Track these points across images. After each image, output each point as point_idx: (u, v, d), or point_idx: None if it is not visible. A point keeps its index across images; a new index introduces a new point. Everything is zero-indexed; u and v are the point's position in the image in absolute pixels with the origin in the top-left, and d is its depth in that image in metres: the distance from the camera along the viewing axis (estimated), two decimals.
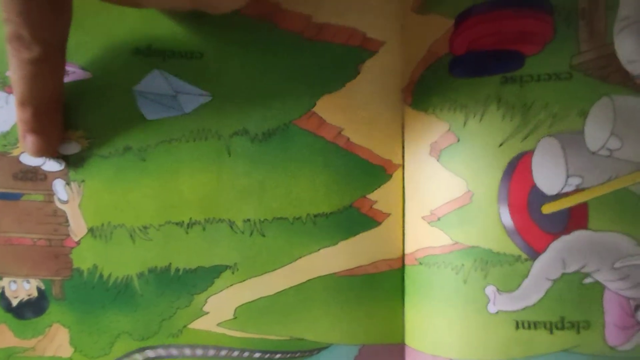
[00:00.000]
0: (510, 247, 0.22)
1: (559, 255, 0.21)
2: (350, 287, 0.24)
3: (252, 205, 0.24)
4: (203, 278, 0.24)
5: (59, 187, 0.24)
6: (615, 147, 0.21)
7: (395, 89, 0.25)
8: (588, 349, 0.21)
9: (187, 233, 0.24)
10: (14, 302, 0.25)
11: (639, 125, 0.20)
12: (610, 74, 0.21)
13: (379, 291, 0.24)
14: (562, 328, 0.21)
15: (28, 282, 0.25)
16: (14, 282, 0.25)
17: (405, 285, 0.25)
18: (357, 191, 0.24)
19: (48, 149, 0.23)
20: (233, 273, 0.24)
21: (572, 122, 0.21)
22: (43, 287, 0.25)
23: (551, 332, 0.21)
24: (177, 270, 0.24)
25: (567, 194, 0.21)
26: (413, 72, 0.25)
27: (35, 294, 0.25)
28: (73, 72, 0.23)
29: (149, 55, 0.23)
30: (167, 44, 0.23)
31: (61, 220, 0.24)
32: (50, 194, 0.24)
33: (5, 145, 0.24)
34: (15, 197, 0.24)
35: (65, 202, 0.24)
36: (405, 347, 0.25)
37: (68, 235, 0.24)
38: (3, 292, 0.25)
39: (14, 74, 0.21)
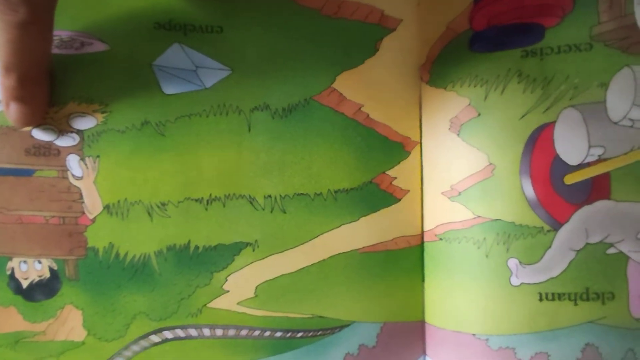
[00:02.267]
0: (533, 219, 0.22)
1: (582, 225, 0.21)
2: (372, 263, 0.24)
3: (272, 181, 0.23)
4: (223, 256, 0.23)
5: (73, 163, 0.23)
6: (638, 118, 0.21)
7: (413, 67, 0.25)
8: (613, 320, 0.21)
9: (206, 210, 0.23)
10: (24, 284, 0.24)
11: None
12: (631, 45, 0.21)
13: (399, 268, 0.24)
14: (587, 299, 0.21)
15: (40, 262, 0.24)
16: (25, 262, 0.24)
17: (425, 262, 0.24)
18: (377, 167, 0.24)
19: (33, 119, 0.22)
20: (254, 250, 0.23)
21: (593, 93, 0.22)
22: (55, 267, 0.24)
23: (576, 304, 0.21)
24: (197, 248, 0.23)
25: (589, 164, 0.21)
26: (431, 49, 0.25)
27: (47, 274, 0.24)
28: (90, 44, 0.23)
29: (169, 29, 0.23)
30: (188, 17, 0.23)
31: (75, 197, 0.23)
32: (64, 169, 0.23)
33: None
34: (27, 173, 0.24)
35: (80, 178, 0.23)
36: (425, 324, 0.24)
37: (83, 212, 0.23)
38: (13, 273, 0.24)
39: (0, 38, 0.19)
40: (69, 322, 0.24)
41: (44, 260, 0.24)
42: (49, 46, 0.21)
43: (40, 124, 0.22)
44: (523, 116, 0.22)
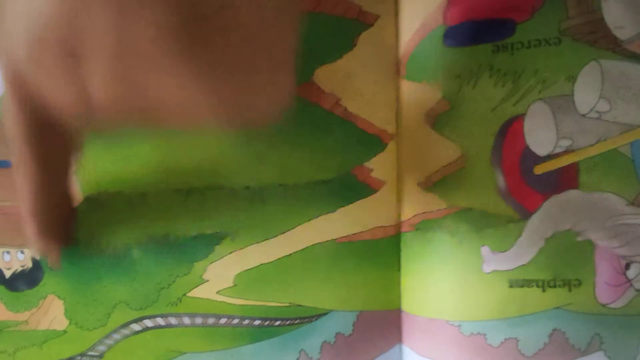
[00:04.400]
0: (504, 208, 0.22)
1: (551, 214, 0.22)
2: (349, 253, 0.25)
3: (252, 172, 0.24)
4: (203, 245, 0.24)
5: None
6: (604, 110, 0.22)
7: (390, 61, 0.26)
8: (580, 306, 0.22)
9: (186, 200, 0.24)
10: (7, 274, 0.25)
11: (626, 89, 0.21)
12: (598, 39, 0.22)
13: (376, 258, 0.25)
14: (555, 286, 0.22)
15: (22, 252, 0.24)
16: (8, 252, 0.24)
17: (401, 252, 0.25)
18: (355, 159, 0.25)
19: (53, 253, 0.24)
20: (233, 240, 0.24)
21: (561, 86, 0.22)
22: (38, 258, 0.24)
23: (544, 290, 0.22)
24: (177, 238, 0.24)
25: (558, 155, 0.22)
26: (407, 44, 0.25)
27: (29, 264, 0.24)
28: None
29: None
30: None
31: None
32: None
33: None
34: (6, 164, 0.24)
35: None
36: (401, 312, 0.25)
37: None
38: None
39: (20, 192, 0.21)
40: (51, 312, 0.25)
41: (26, 251, 0.24)
42: (68, 199, 0.23)
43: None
44: (494, 109, 0.23)
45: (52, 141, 0.19)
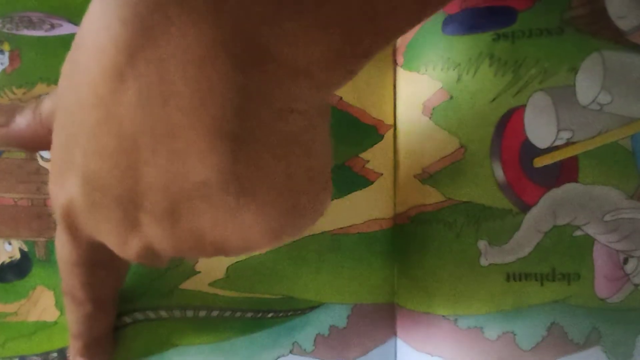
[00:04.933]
0: (502, 201, 0.22)
1: (550, 207, 0.22)
2: (343, 246, 0.24)
3: None
4: None
5: None
6: (606, 102, 0.21)
7: (387, 50, 0.25)
8: (578, 300, 0.22)
9: None
10: None
11: (628, 80, 0.21)
12: (600, 30, 0.21)
13: (370, 251, 0.24)
14: (553, 280, 0.22)
15: (9, 243, 0.24)
16: None
17: (396, 245, 0.25)
18: (350, 150, 0.24)
19: None
20: None
21: (563, 77, 0.22)
22: (26, 249, 0.24)
23: (542, 284, 0.22)
24: None
25: (558, 148, 0.22)
26: None
27: (17, 255, 0.24)
28: (60, 26, 0.23)
29: None
30: None
31: (44, 178, 0.23)
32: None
33: None
34: None
35: (49, 160, 0.23)
36: (396, 307, 0.25)
37: None
38: None
39: (68, 314, 0.22)
40: (41, 303, 0.24)
41: (14, 242, 0.24)
42: (111, 322, 0.23)
43: None
44: (494, 99, 0.22)
45: (102, 273, 0.20)
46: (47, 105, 0.19)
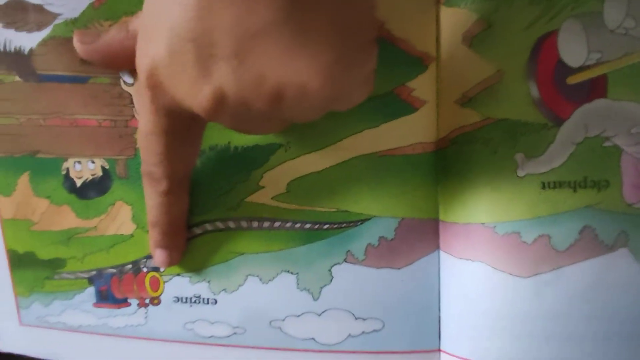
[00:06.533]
0: (538, 117, 0.24)
1: (581, 121, 0.24)
2: (390, 165, 0.27)
3: None
4: (259, 155, 0.26)
5: (125, 71, 0.26)
6: (631, 26, 0.24)
7: None
8: (608, 205, 0.24)
9: None
10: (78, 183, 0.27)
11: None
12: None
13: (415, 171, 0.27)
14: (585, 187, 0.24)
15: (93, 162, 0.27)
16: (79, 162, 0.27)
17: (438, 166, 0.27)
18: (398, 79, 0.27)
19: (172, 262, 0.26)
20: (286, 151, 0.26)
21: (592, 5, 0.24)
22: (107, 167, 0.27)
23: (575, 191, 0.24)
24: (236, 148, 0.26)
25: (589, 67, 0.24)
26: None
27: (99, 173, 0.27)
28: None
29: None
30: None
31: (126, 102, 0.26)
32: (116, 77, 0.26)
33: (73, 31, 0.25)
34: (82, 80, 0.26)
35: (131, 85, 0.26)
36: (439, 222, 0.27)
37: (133, 116, 0.26)
38: (67, 173, 0.27)
39: (147, 201, 0.24)
40: (119, 217, 0.27)
41: (96, 160, 0.27)
42: (186, 206, 0.26)
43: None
44: (529, 26, 0.25)
45: (177, 145, 0.22)
46: (134, 21, 0.22)
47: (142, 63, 0.19)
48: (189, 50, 0.17)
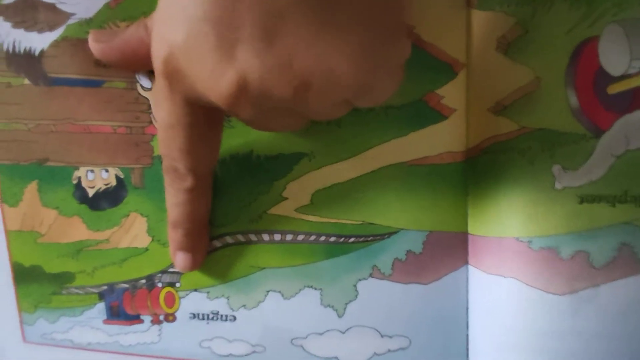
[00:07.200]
0: (576, 127, 0.23)
1: (622, 132, 0.23)
2: (418, 176, 0.25)
3: None
4: (282, 165, 0.25)
5: (142, 74, 0.24)
6: None
7: None
8: None
9: None
10: (90, 192, 0.26)
11: None
12: None
13: (443, 181, 0.26)
14: (625, 201, 0.23)
15: (106, 170, 0.25)
16: (92, 171, 0.25)
17: (469, 176, 0.26)
18: (427, 86, 0.26)
19: (195, 265, 0.25)
20: (310, 161, 0.25)
21: (634, 10, 0.23)
22: (122, 176, 0.25)
23: (614, 205, 0.23)
24: (258, 157, 0.25)
25: (631, 76, 0.23)
26: None
27: (113, 182, 0.25)
28: None
29: None
30: None
31: (143, 107, 0.25)
32: (132, 81, 0.24)
33: (87, 32, 0.24)
34: (96, 84, 0.25)
35: (148, 89, 0.25)
36: (468, 236, 0.26)
37: (150, 122, 0.25)
38: (79, 183, 0.25)
39: (169, 200, 0.23)
40: (133, 229, 0.26)
41: (110, 169, 0.25)
42: (208, 205, 0.24)
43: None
44: (569, 31, 0.23)
45: (197, 139, 0.20)
46: (153, 16, 0.20)
47: (158, 49, 0.17)
48: (209, 33, 0.16)
